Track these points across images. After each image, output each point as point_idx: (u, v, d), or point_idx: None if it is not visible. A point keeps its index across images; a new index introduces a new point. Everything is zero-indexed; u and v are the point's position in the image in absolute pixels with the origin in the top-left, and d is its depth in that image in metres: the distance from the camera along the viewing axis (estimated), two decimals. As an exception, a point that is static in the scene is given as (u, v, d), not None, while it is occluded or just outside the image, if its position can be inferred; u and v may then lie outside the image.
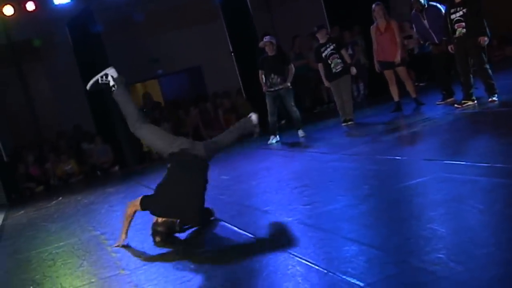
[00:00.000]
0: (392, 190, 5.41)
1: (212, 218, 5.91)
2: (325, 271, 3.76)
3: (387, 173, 6.10)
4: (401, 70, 10.73)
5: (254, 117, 6.15)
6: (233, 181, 8.18)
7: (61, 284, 5.09)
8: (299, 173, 7.68)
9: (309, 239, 4.60)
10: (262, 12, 17.52)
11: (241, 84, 16.44)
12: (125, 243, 5.73)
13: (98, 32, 13.84)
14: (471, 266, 3.30)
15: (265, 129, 11.53)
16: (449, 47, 9.39)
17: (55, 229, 7.92)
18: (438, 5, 9.98)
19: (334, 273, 3.67)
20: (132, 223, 5.75)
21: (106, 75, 6.12)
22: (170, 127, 14.37)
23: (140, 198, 5.60)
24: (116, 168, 14.41)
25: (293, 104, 11.12)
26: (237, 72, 16.35)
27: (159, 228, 5.47)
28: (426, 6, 10.12)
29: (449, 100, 10.05)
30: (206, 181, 5.74)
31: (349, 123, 10.86)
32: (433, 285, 3.22)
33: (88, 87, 6.25)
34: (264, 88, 11.16)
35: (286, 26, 17.35)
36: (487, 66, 9.03)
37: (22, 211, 10.80)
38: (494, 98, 8.84)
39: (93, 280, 4.96)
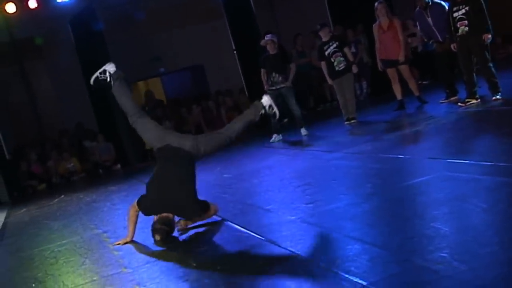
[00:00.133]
0: (395, 189, 5.39)
1: (210, 211, 5.74)
2: (328, 270, 3.74)
3: (390, 172, 6.09)
4: (404, 69, 10.71)
5: (265, 98, 5.97)
6: (235, 180, 8.17)
7: (63, 282, 5.08)
8: (301, 171, 7.66)
9: (312, 238, 4.59)
10: (265, 10, 17.52)
11: (243, 83, 16.42)
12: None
13: (100, 30, 13.85)
14: (475, 265, 3.28)
15: (267, 128, 11.55)
16: (451, 46, 9.36)
17: (57, 227, 7.92)
18: (443, 3, 9.94)
19: (336, 272, 3.66)
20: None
21: (105, 71, 6.09)
22: (172, 125, 14.37)
23: (138, 198, 5.65)
24: (118, 166, 14.42)
25: (294, 102, 11.11)
26: (240, 71, 16.33)
27: (157, 226, 5.47)
28: (430, 3, 10.08)
29: (452, 98, 10.03)
30: (192, 175, 5.61)
31: (352, 121, 10.85)
32: (436, 284, 3.20)
33: (91, 82, 6.25)
34: (265, 87, 11.15)
35: (289, 24, 17.34)
36: (491, 65, 9.01)
37: (24, 209, 10.80)
38: (497, 97, 8.81)
39: (95, 278, 4.95)
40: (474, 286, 3.08)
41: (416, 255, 3.63)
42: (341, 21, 14.97)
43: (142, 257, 5.27)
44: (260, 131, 12.48)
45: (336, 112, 12.10)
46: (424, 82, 13.90)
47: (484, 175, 5.04)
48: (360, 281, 3.44)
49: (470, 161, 5.59)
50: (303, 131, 11.02)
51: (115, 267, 5.11)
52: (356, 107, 11.08)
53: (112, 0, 15.20)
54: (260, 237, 4.90)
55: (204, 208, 5.63)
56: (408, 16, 13.76)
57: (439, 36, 10.02)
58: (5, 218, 10.18)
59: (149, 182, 5.65)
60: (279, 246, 4.51)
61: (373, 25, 10.90)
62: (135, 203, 5.63)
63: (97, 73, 6.13)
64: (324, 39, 11.02)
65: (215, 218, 5.95)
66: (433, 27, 10.06)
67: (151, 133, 5.87)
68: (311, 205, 5.56)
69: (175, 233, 5.68)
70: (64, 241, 6.77)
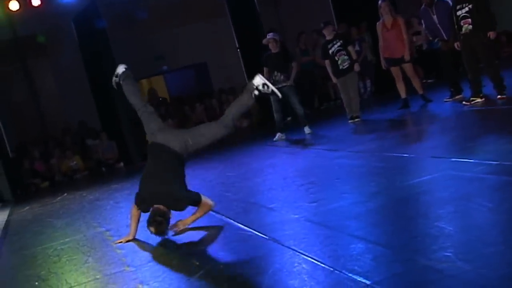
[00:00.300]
0: (399, 188, 5.37)
1: (204, 206, 5.70)
2: (331, 269, 3.73)
3: (394, 171, 6.06)
4: (408, 67, 10.67)
5: (257, 78, 5.94)
6: (238, 178, 8.15)
7: (66, 280, 5.07)
8: (305, 170, 7.64)
9: (315, 237, 4.58)
10: (268, 7, 17.49)
11: (246, 81, 16.37)
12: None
13: (103, 28, 13.83)
14: (479, 265, 3.26)
15: (271, 127, 11.54)
16: (455, 44, 9.33)
17: (61, 225, 7.92)
18: (449, 0, 9.88)
19: (340, 271, 3.65)
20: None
21: (117, 73, 6.24)
22: (175, 123, 14.36)
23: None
24: (121, 164, 14.41)
25: (297, 101, 11.08)
26: (243, 69, 16.31)
27: (150, 218, 5.46)
28: (436, 0, 10.00)
29: (457, 97, 9.99)
30: (177, 169, 5.63)
31: (356, 120, 10.82)
32: (440, 284, 3.18)
33: (114, 87, 6.45)
34: None
35: (292, 22, 17.32)
36: (495, 63, 8.97)
37: (27, 207, 10.80)
38: (503, 95, 8.77)
39: (98, 277, 4.95)
40: (478, 286, 3.07)
41: (420, 254, 3.62)
42: (345, 19, 14.94)
43: (145, 255, 5.28)
44: (263, 129, 12.47)
45: (340, 110, 12.07)
46: (429, 81, 13.86)
47: (489, 174, 5.01)
48: (363, 280, 3.42)
49: (474, 160, 5.57)
50: (307, 129, 11.00)
51: (118, 265, 5.10)
52: (360, 106, 11.05)
53: (115, -2, 15.21)
54: (263, 236, 4.88)
55: (193, 199, 5.60)
56: (412, 13, 13.74)
57: (444, 34, 9.93)
58: (8, 216, 10.18)
59: (141, 178, 5.73)
60: (282, 245, 4.49)
61: (377, 23, 10.87)
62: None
63: (113, 77, 6.26)
64: (328, 37, 10.99)
65: (217, 217, 5.94)
66: (438, 25, 9.98)
67: (148, 127, 5.92)
68: (314, 204, 5.55)
69: (170, 235, 5.65)
70: (67, 239, 6.77)
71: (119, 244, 5.79)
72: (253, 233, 5.07)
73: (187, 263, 4.76)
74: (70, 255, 5.96)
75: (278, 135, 11.16)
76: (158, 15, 16.68)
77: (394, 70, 10.77)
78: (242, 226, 5.37)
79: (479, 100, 9.05)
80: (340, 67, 10.84)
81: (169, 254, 5.19)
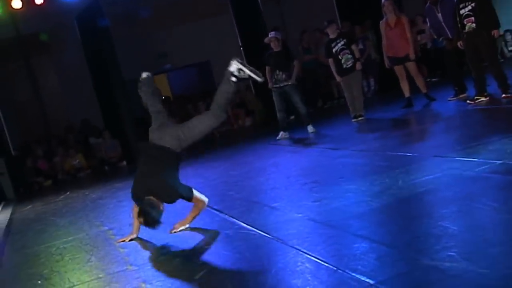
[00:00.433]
0: (403, 187, 5.35)
1: (198, 203, 5.69)
2: (335, 269, 3.72)
3: (397, 170, 6.03)
4: (411, 66, 10.65)
5: (233, 64, 5.94)
6: (241, 177, 8.14)
7: (69, 279, 5.07)
8: (308, 169, 7.63)
9: (319, 236, 4.56)
10: (271, 6, 17.47)
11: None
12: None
13: (106, 26, 13.83)
14: (483, 265, 3.24)
15: (273, 126, 11.52)
16: (458, 43, 9.30)
17: (63, 224, 7.91)
18: None
19: (343, 271, 3.63)
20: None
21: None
22: (178, 122, 14.34)
23: None
24: (124, 163, 14.41)
25: (299, 100, 11.06)
26: (247, 67, 16.27)
27: (141, 209, 5.47)
28: None
29: (461, 96, 9.96)
30: (168, 163, 5.61)
31: (360, 119, 10.80)
32: (444, 284, 3.17)
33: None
34: (269, 85, 11.12)
35: (295, 20, 17.30)
36: (499, 62, 8.93)
37: (30, 206, 10.81)
38: (507, 94, 8.74)
39: (101, 276, 4.94)
40: (482, 286, 3.05)
41: (424, 254, 3.60)
42: (348, 17, 14.92)
43: (148, 254, 5.27)
44: (266, 128, 12.45)
45: (343, 109, 12.06)
46: (433, 80, 13.83)
47: (493, 174, 4.99)
48: (367, 280, 3.41)
49: (479, 159, 5.55)
50: (310, 128, 10.98)
51: (120, 264, 5.09)
52: (363, 105, 11.03)
53: (118, -4, 15.20)
54: (266, 235, 4.87)
55: (184, 191, 5.57)
56: (417, 12, 13.71)
57: (449, 33, 9.89)
58: (11, 215, 10.18)
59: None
60: (285, 244, 4.48)
61: (380, 22, 10.85)
62: None
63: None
64: (332, 36, 10.97)
65: (219, 216, 5.93)
66: (443, 23, 9.94)
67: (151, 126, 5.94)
68: (317, 203, 5.53)
69: (177, 234, 5.65)
70: (70, 238, 6.76)
71: (122, 243, 5.78)
72: (256, 232, 5.05)
73: (190, 262, 4.75)
74: (73, 254, 5.95)
75: (281, 133, 11.15)
76: (161, 13, 16.68)
77: (398, 69, 10.74)
78: (245, 225, 5.36)
79: (483, 99, 9.02)
80: (344, 66, 10.82)
81: (172, 253, 5.18)
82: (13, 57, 15.84)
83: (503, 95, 8.78)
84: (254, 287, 3.85)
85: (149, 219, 5.39)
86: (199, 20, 17.32)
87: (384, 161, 6.75)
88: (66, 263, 5.67)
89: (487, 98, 9.03)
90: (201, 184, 8.02)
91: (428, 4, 10.21)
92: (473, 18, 8.92)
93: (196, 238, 5.48)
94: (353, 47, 10.90)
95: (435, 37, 10.72)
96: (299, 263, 3.98)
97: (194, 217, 5.74)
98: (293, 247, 4.34)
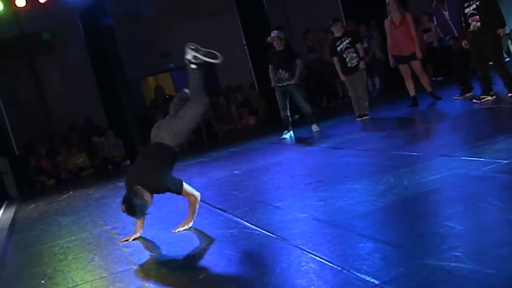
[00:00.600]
0: (408, 187, 5.32)
1: (190, 198, 5.69)
2: (339, 268, 3.69)
3: (402, 169, 6.00)
4: (416, 64, 10.60)
5: (186, 51, 5.96)
6: (245, 176, 8.11)
7: (72, 278, 5.05)
8: (313, 168, 7.60)
9: (323, 236, 4.53)
10: (276, 4, 17.43)
11: (254, 78, 16.37)
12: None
13: (110, 25, 13.83)
14: (489, 265, 3.22)
15: (277, 124, 11.49)
16: (462, 42, 9.25)
17: (67, 223, 7.90)
18: None
19: (348, 271, 3.61)
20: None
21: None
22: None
23: None
24: (128, 162, 14.38)
25: (302, 99, 11.03)
26: (250, 66, 16.28)
27: (124, 197, 5.55)
28: None
29: (467, 95, 9.92)
30: (162, 158, 5.67)
31: (364, 118, 10.77)
32: (450, 284, 3.14)
33: None
34: (272, 83, 11.09)
35: (300, 19, 17.26)
36: (504, 60, 8.88)
37: (33, 205, 10.80)
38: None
39: (104, 275, 4.92)
40: (489, 287, 3.02)
41: (429, 254, 3.57)
42: (353, 15, 14.89)
43: (151, 254, 5.27)
44: (270, 127, 12.43)
45: (348, 108, 12.03)
46: (439, 79, 13.79)
47: (499, 173, 4.96)
48: (372, 280, 3.39)
49: (485, 158, 5.51)
50: (314, 127, 10.95)
51: (124, 264, 5.08)
52: (368, 104, 11.01)
53: (122, -5, 15.19)
54: (270, 235, 4.85)
55: (173, 183, 5.58)
56: (421, 11, 13.66)
57: (455, 31, 9.83)
58: (14, 214, 10.18)
59: None
60: (290, 244, 4.45)
61: (385, 20, 10.81)
62: None
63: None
64: (337, 34, 10.93)
65: (223, 215, 5.91)
66: (449, 22, 9.88)
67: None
68: (322, 202, 5.51)
69: (180, 233, 5.62)
70: (73, 237, 6.75)
71: (125, 242, 5.77)
72: (260, 231, 5.03)
73: (193, 262, 4.74)
74: (76, 253, 5.93)
75: (285, 132, 11.11)
76: (165, 12, 16.65)
77: (403, 68, 10.70)
78: (249, 225, 5.33)
79: (489, 98, 8.98)
80: (348, 64, 10.79)
81: (176, 252, 5.15)
82: (16, 55, 15.84)
83: (509, 94, 8.72)
84: (258, 287, 3.82)
85: (130, 206, 5.44)
86: (203, 19, 17.29)
87: (389, 161, 6.73)
88: (70, 262, 5.65)
89: (493, 97, 8.98)
90: (205, 184, 8.02)
91: (434, 2, 10.15)
92: (477, 17, 8.87)
93: (199, 238, 5.46)
94: (358, 45, 10.87)
95: (442, 35, 10.65)
96: (303, 263, 3.96)
97: (193, 214, 5.72)
98: (297, 247, 4.31)
